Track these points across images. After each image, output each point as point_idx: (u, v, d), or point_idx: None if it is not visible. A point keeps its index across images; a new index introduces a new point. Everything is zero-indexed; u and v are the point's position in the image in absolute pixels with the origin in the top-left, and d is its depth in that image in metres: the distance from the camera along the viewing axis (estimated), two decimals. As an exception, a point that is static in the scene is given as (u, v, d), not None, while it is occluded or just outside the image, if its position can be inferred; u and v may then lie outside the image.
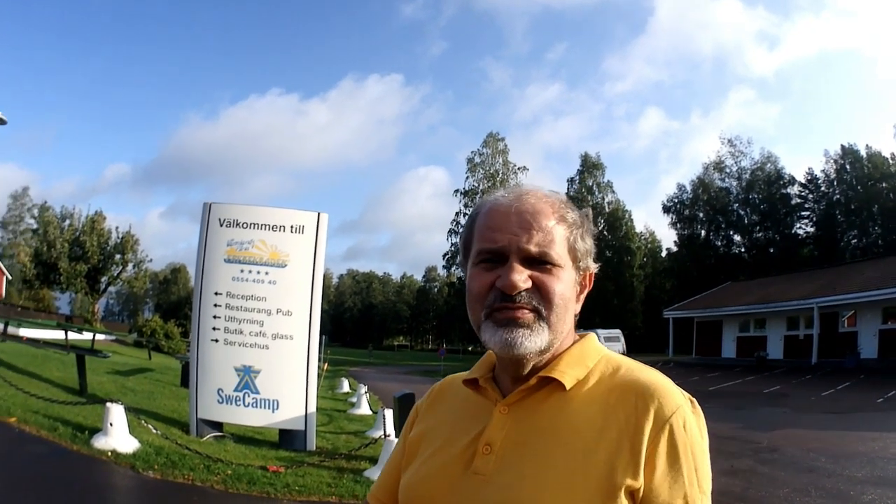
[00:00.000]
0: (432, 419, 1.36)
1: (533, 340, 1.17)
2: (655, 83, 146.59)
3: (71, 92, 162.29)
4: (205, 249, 10.26)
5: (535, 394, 1.22)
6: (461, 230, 1.39)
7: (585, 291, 1.31)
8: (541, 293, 1.18)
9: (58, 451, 8.25)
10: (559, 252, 1.20)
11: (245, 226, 10.18)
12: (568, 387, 1.20)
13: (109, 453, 8.16)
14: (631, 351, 55.11)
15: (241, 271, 10.10)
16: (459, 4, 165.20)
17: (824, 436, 12.88)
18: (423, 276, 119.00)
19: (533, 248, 1.18)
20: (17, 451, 8.09)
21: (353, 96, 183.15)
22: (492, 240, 1.21)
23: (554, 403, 1.20)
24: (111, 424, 8.48)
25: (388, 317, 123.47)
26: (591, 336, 1.34)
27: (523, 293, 1.17)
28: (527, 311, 1.18)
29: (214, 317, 10.10)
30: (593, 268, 1.30)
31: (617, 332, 55.17)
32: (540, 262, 1.19)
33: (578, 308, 1.29)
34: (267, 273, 10.10)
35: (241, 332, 10.03)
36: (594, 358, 1.27)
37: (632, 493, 1.09)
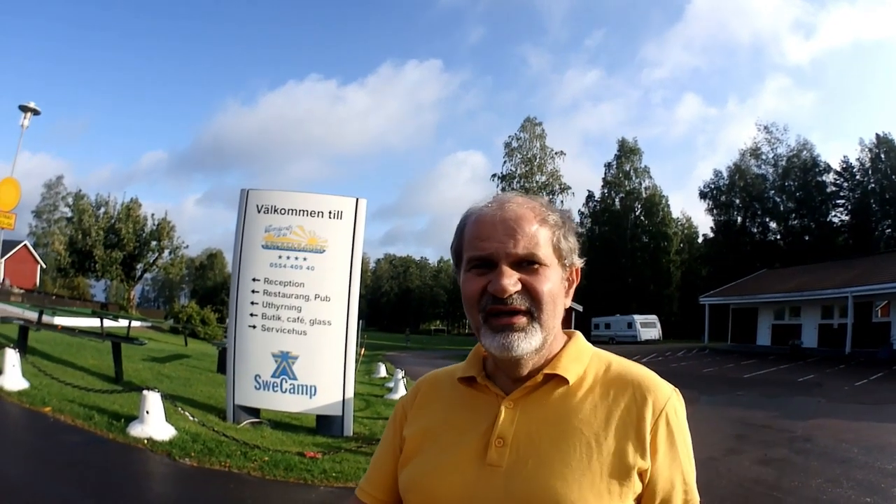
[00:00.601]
0: (429, 416, 1.39)
1: (528, 342, 1.25)
2: (693, 69, 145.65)
3: (106, 81, 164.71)
4: (242, 236, 10.25)
5: (539, 389, 1.31)
6: (452, 239, 1.40)
7: (573, 286, 1.39)
8: (531, 294, 1.26)
9: (93, 439, 8.27)
10: (545, 252, 1.28)
11: (283, 212, 10.14)
12: (571, 382, 1.30)
13: (146, 441, 8.18)
14: (667, 337, 55.10)
15: (280, 257, 10.07)
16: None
17: (857, 426, 12.74)
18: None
19: (520, 251, 1.25)
20: (52, 440, 8.12)
21: (391, 82, 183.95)
22: (480, 248, 1.27)
23: (559, 398, 1.30)
24: (147, 412, 8.49)
25: (425, 301, 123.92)
26: (579, 334, 1.42)
27: (514, 295, 1.25)
28: (520, 316, 1.25)
29: (252, 303, 10.08)
30: (578, 263, 1.38)
31: (653, 318, 55.16)
32: (528, 264, 1.26)
33: (568, 302, 1.36)
34: (305, 259, 10.06)
35: (279, 318, 10.00)
36: (588, 354, 1.38)
37: (640, 474, 1.24)
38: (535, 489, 1.20)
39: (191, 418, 9.21)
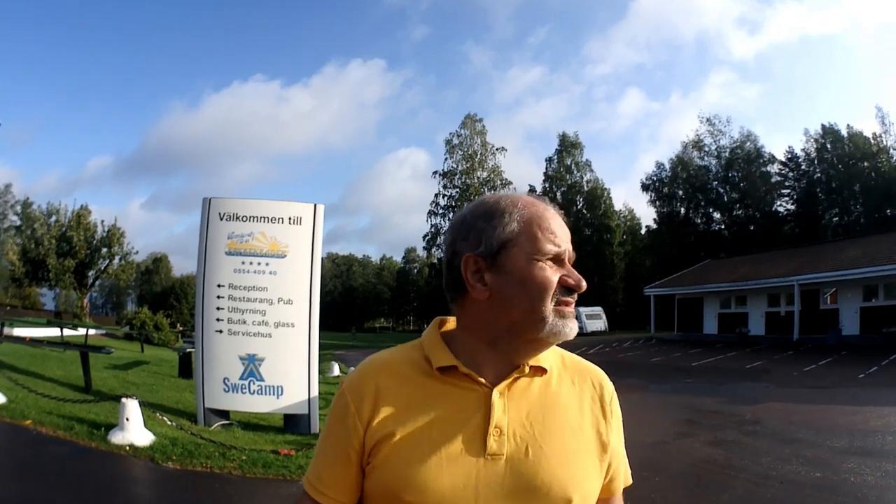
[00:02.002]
0: (404, 410, 1.34)
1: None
2: (636, 65, 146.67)
3: (50, 85, 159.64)
4: (206, 243, 10.50)
5: (520, 378, 1.38)
6: (493, 217, 1.40)
7: None
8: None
9: (78, 449, 8.39)
10: None
11: (245, 219, 10.45)
12: (549, 372, 1.42)
13: (127, 447, 8.36)
14: (613, 328, 55.53)
15: (243, 263, 10.37)
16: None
17: (806, 409, 13.18)
18: (403, 258, 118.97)
19: (574, 256, 1.41)
20: (39, 453, 8.19)
21: (335, 82, 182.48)
22: (557, 243, 1.36)
23: (540, 386, 1.40)
24: (127, 419, 8.66)
25: (369, 299, 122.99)
26: None
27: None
28: (574, 306, 1.38)
29: (218, 308, 10.36)
30: None
31: (599, 310, 55.53)
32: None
33: None
34: (268, 264, 10.39)
35: (245, 322, 10.30)
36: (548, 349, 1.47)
37: (606, 447, 1.43)
38: (539, 474, 1.30)
39: (169, 423, 9.45)
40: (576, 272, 1.38)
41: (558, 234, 1.37)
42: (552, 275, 1.34)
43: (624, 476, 1.53)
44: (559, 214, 1.43)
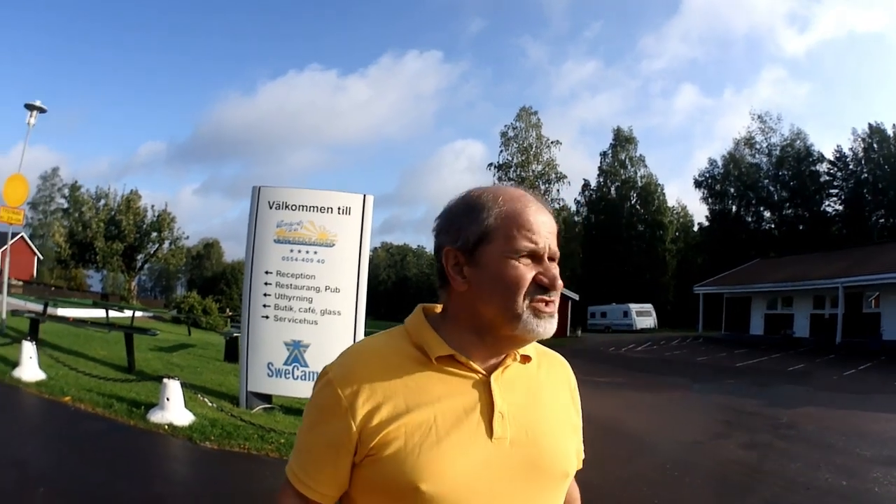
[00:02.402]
0: (403, 401, 1.32)
1: (555, 327, 1.38)
2: (690, 61, 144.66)
3: (105, 73, 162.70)
4: (255, 231, 10.60)
5: (511, 366, 1.43)
6: (471, 212, 1.41)
7: None
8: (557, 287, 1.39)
9: (116, 426, 8.54)
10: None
11: (294, 208, 10.52)
12: (532, 360, 1.50)
13: (166, 426, 8.50)
14: (662, 325, 55.20)
15: (291, 251, 10.45)
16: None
17: (841, 415, 13.24)
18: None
19: (556, 252, 1.39)
20: (76, 427, 8.37)
21: (391, 72, 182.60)
22: (533, 240, 1.35)
23: (525, 372, 1.46)
24: (168, 399, 8.80)
25: (422, 289, 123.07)
26: None
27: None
28: (554, 305, 1.38)
29: (265, 294, 10.46)
30: None
31: (649, 307, 55.31)
32: (550, 261, 1.38)
33: None
34: (316, 252, 10.46)
35: (291, 309, 10.39)
36: None
37: (577, 429, 1.57)
38: (542, 453, 1.38)
39: (209, 404, 9.58)
40: (553, 270, 1.37)
41: (535, 231, 1.36)
42: (526, 272, 1.35)
43: (579, 455, 1.58)
44: (545, 209, 1.42)
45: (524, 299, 1.33)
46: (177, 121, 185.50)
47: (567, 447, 1.45)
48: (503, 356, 1.42)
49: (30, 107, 18.87)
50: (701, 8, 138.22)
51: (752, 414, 13.30)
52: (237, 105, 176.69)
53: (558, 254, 1.40)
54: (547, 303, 1.35)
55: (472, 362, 1.37)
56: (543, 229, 1.37)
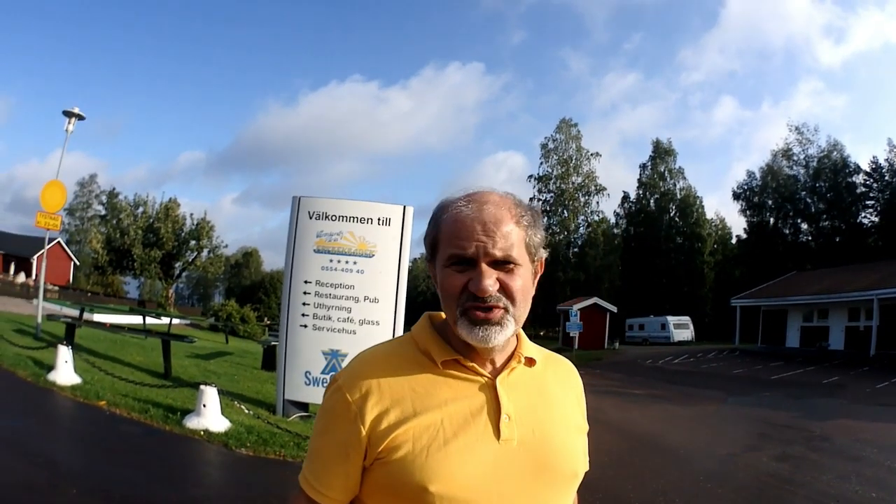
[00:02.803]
0: (409, 405, 1.35)
1: (503, 334, 1.35)
2: (729, 73, 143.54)
3: (146, 82, 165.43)
4: (294, 240, 10.70)
5: (516, 368, 1.45)
6: (427, 229, 1.47)
7: (538, 275, 1.48)
8: (507, 293, 1.35)
9: (151, 430, 8.62)
10: (518, 252, 1.36)
11: (334, 218, 10.59)
12: (538, 363, 1.51)
13: (202, 432, 8.57)
14: (700, 338, 54.80)
15: (331, 261, 10.52)
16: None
17: (874, 427, 13.24)
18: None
19: (498, 253, 1.33)
20: (112, 431, 8.44)
21: (433, 84, 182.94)
22: (461, 247, 1.34)
23: (531, 375, 1.48)
24: (204, 405, 8.87)
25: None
26: None
27: (492, 294, 1.33)
28: (497, 311, 1.34)
29: (304, 304, 10.53)
30: (543, 254, 1.46)
31: (686, 320, 54.89)
32: (503, 263, 1.34)
33: (533, 291, 1.45)
34: (355, 263, 10.51)
35: (330, 318, 10.44)
36: (529, 341, 1.54)
37: (583, 430, 1.55)
38: (550, 454, 1.39)
39: (246, 411, 9.65)
40: (483, 277, 1.32)
41: (463, 237, 1.34)
42: (456, 280, 1.35)
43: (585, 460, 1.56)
44: (492, 210, 1.37)
45: (457, 307, 1.34)
46: (217, 130, 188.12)
47: (575, 447, 1.46)
48: (507, 359, 1.44)
49: (68, 114, 19.15)
50: (739, 20, 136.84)
51: (786, 426, 13.28)
52: (278, 115, 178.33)
53: (508, 253, 1.34)
54: (480, 309, 1.33)
55: (476, 366, 1.40)
56: (476, 233, 1.34)
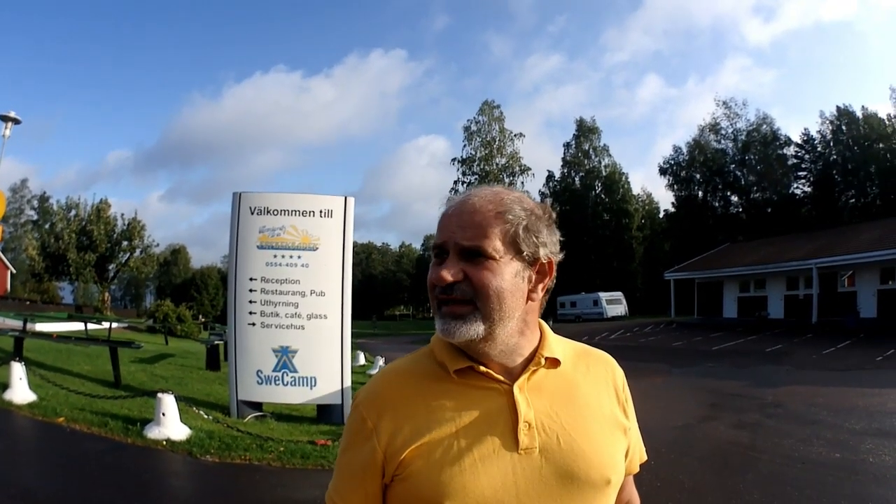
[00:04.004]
0: (423, 418, 1.33)
1: (467, 329, 1.29)
2: (654, 52, 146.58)
3: (69, 80, 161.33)
4: (237, 237, 10.57)
5: (537, 371, 1.38)
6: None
7: (545, 280, 1.40)
8: (473, 285, 1.29)
9: (115, 445, 8.41)
10: (493, 245, 1.29)
11: (275, 212, 10.51)
12: (563, 363, 1.42)
13: (164, 442, 8.40)
14: (633, 313, 55.68)
15: (275, 256, 10.44)
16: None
17: (826, 391, 13.52)
18: (422, 245, 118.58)
19: (465, 243, 1.29)
20: (76, 449, 8.23)
21: (356, 71, 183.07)
22: (437, 237, 1.34)
23: (557, 377, 1.40)
24: (163, 414, 8.70)
25: (388, 287, 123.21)
26: (543, 322, 1.47)
27: (458, 286, 1.30)
28: (461, 305, 1.30)
29: (250, 301, 10.44)
30: (552, 257, 1.39)
31: (619, 295, 55.72)
32: (474, 255, 1.29)
33: (537, 297, 1.39)
34: (300, 257, 10.46)
35: (278, 315, 10.39)
36: (557, 338, 1.47)
37: (625, 430, 1.46)
38: (576, 461, 1.31)
39: (204, 416, 9.53)
40: (441, 266, 1.32)
41: (440, 229, 1.35)
42: (431, 273, 1.34)
43: (640, 455, 1.57)
44: (468, 203, 1.34)
45: (433, 300, 1.34)
46: (144, 128, 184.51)
47: (609, 451, 1.38)
48: (525, 362, 1.38)
49: (4, 118, 18.39)
50: (664, 1, 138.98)
51: (737, 395, 13.55)
52: (203, 109, 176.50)
53: (476, 244, 1.30)
54: (445, 301, 1.32)
55: (492, 372, 1.34)
56: (451, 225, 1.33)
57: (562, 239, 1.42)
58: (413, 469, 1.29)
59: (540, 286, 1.39)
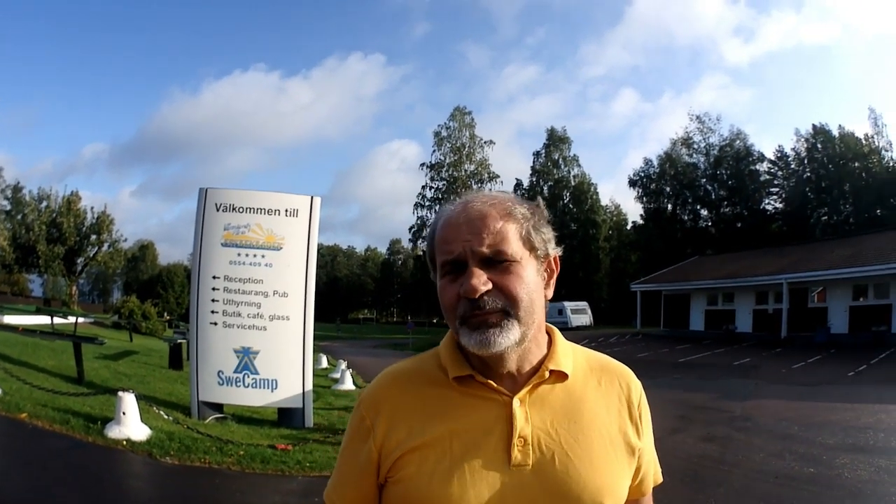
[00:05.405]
0: (418, 423, 1.31)
1: (506, 337, 1.24)
2: (631, 67, 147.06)
3: (48, 71, 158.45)
4: (202, 234, 10.47)
5: (542, 384, 1.33)
6: (425, 243, 1.41)
7: (554, 275, 1.39)
8: (504, 293, 1.25)
9: (75, 443, 8.32)
10: (514, 248, 1.27)
11: (241, 210, 10.42)
12: (571, 376, 1.36)
13: (125, 442, 8.30)
14: (597, 323, 55.83)
15: (238, 255, 10.36)
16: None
17: (797, 406, 13.37)
18: (388, 250, 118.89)
19: (486, 250, 1.25)
20: (38, 447, 8.14)
21: (335, 74, 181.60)
22: (448, 251, 1.27)
23: (562, 391, 1.34)
24: (124, 413, 8.58)
25: (352, 290, 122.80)
26: (556, 329, 1.44)
27: (487, 297, 1.24)
28: (496, 314, 1.24)
29: (213, 300, 10.35)
30: (555, 252, 1.38)
31: (584, 305, 55.79)
32: (497, 262, 1.25)
33: (550, 293, 1.38)
34: (263, 256, 10.39)
35: (240, 315, 10.31)
36: (570, 348, 1.42)
37: (636, 451, 1.38)
38: (568, 482, 1.26)
39: (165, 417, 9.42)
40: (470, 278, 1.24)
41: (449, 240, 1.29)
42: (451, 290, 1.28)
43: (654, 476, 1.50)
44: (473, 209, 1.30)
45: (456, 319, 1.27)
46: (121, 121, 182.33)
47: (609, 474, 1.31)
48: (532, 371, 1.34)
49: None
50: (645, 18, 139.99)
51: (705, 408, 13.49)
52: (181, 105, 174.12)
53: (499, 248, 1.26)
54: (475, 316, 1.25)
55: (493, 382, 1.31)
56: (461, 233, 1.27)
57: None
58: (404, 474, 1.28)
59: (551, 282, 1.38)
